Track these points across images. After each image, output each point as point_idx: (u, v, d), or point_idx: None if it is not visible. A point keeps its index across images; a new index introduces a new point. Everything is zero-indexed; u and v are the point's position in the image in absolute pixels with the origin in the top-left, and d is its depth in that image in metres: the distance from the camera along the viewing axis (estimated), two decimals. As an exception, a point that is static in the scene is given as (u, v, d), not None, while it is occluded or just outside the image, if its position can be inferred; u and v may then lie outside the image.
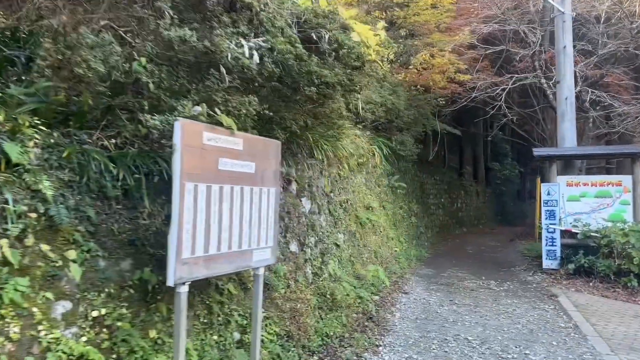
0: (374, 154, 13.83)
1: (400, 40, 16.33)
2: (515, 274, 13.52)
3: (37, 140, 4.60)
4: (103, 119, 5.21)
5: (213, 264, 4.71)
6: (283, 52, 5.35)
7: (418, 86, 17.07)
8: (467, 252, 17.79)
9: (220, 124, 4.87)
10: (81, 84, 4.67)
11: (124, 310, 4.77)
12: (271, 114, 6.01)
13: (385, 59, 16.72)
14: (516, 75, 17.52)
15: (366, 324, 8.39)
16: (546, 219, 13.29)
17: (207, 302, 5.73)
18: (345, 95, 9.07)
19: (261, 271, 5.55)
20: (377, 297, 9.75)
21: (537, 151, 14.72)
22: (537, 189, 17.52)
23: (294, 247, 7.79)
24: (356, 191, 11.72)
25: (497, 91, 16.94)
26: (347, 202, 10.72)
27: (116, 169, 5.03)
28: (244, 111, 5.26)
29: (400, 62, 17.78)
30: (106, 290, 4.70)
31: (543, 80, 17.93)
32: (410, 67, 17.45)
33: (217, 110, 4.74)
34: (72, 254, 4.42)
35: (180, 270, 4.30)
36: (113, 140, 5.21)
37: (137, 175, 5.12)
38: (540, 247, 14.02)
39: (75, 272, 4.35)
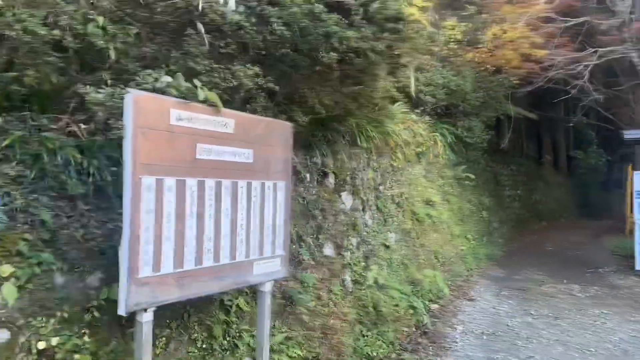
0: (435, 142, 12.30)
1: (465, 14, 14.59)
2: (603, 277, 11.57)
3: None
4: (72, 100, 4.19)
5: (191, 283, 3.57)
6: (285, 2, 4.10)
7: (488, 66, 15.25)
8: (546, 250, 15.80)
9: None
10: (26, 55, 3.65)
11: (85, 339, 3.73)
12: (285, 90, 4.81)
13: (452, 40, 15.06)
14: (601, 49, 15.28)
15: (419, 340, 7.02)
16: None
17: (207, 323, 4.61)
18: (394, 72, 7.71)
19: (267, 287, 4.36)
20: (435, 306, 8.33)
21: (629, 134, 12.64)
22: (628, 178, 15.25)
23: (328, 250, 6.56)
24: (413, 184, 10.29)
25: (579, 68, 14.79)
26: (401, 196, 9.33)
27: (86, 161, 4.02)
28: (246, 83, 4.06)
29: (467, 41, 15.99)
30: (60, 314, 3.67)
31: (633, 54, 15.53)
32: (480, 45, 15.63)
33: (197, 82, 3.57)
34: (5, 269, 3.40)
35: (136, 294, 3.19)
36: (85, 126, 4.18)
37: (114, 169, 4.06)
38: (632, 245, 11.99)
39: (8, 293, 3.32)
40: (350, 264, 6.84)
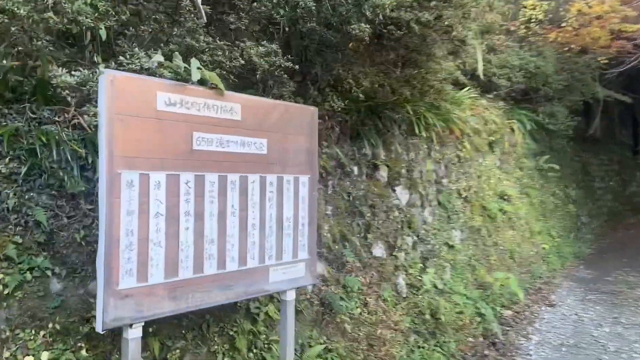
0: (512, 130, 11.21)
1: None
2: None
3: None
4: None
5: (188, 294, 3.07)
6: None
7: (572, 47, 13.79)
8: (644, 248, 14.14)
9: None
10: (12, 40, 3.30)
11: (82, 353, 3.34)
12: (320, 73, 4.21)
13: (533, 20, 13.75)
14: None
15: (486, 352, 6.21)
16: None
17: (230, 333, 4.12)
18: (456, 52, 6.90)
19: (289, 296, 3.79)
20: (508, 313, 7.43)
21: None
22: None
23: (378, 250, 5.89)
24: (484, 176, 9.35)
25: None
26: (468, 189, 8.45)
27: (91, 156, 3.63)
28: (258, 62, 3.51)
29: (549, 20, 14.58)
30: (52, 325, 3.30)
31: None
32: (563, 24, 14.18)
33: (194, 61, 3.05)
34: (-16, 277, 3.06)
35: (115, 308, 2.72)
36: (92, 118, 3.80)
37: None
38: None
39: (-16, 304, 2.97)
40: (404, 266, 6.13)
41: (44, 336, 3.24)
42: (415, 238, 6.54)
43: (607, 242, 15.03)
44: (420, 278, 6.15)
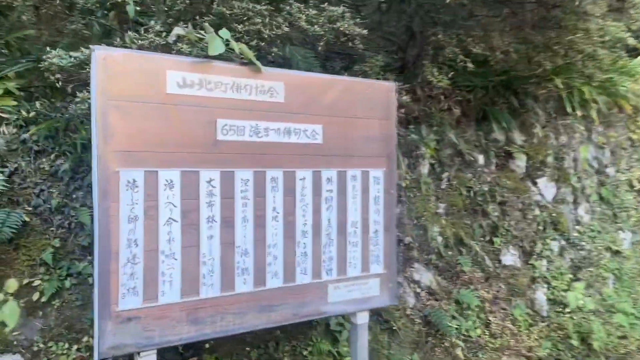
0: None
1: None
2: None
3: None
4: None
5: (214, 316, 2.53)
6: None
7: None
8: None
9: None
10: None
11: (122, 370, 3.00)
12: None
13: None
14: None
15: (660, 392, 4.80)
16: None
17: (304, 354, 3.54)
18: (621, 9, 5.48)
19: (360, 319, 3.06)
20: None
21: None
22: None
23: (509, 258, 4.82)
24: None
25: None
26: (645, 180, 6.77)
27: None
28: (318, 30, 2.84)
29: None
30: (88, 338, 3.01)
31: None
32: None
33: (208, 28, 2.49)
34: (11, 285, 2.84)
35: (114, 333, 2.28)
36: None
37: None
38: None
39: (9, 315, 2.75)
40: (545, 278, 4.97)
41: (78, 349, 2.96)
42: (562, 242, 5.30)
43: None
44: (566, 291, 4.93)
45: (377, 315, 3.89)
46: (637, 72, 6.94)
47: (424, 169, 4.62)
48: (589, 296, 5.20)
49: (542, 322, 4.70)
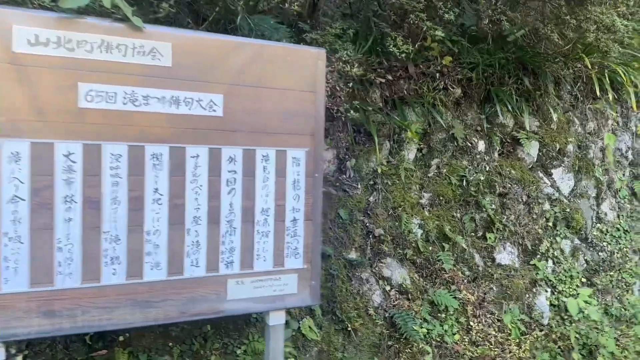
0: None
1: None
2: None
3: None
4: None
5: (73, 310, 2.10)
6: None
7: None
8: None
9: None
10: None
11: None
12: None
13: None
14: None
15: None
16: None
17: (237, 353, 3.06)
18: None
19: (274, 320, 2.53)
20: None
21: None
22: None
23: (506, 256, 4.08)
24: None
25: None
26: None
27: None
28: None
29: None
30: None
31: None
32: None
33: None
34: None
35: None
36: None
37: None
38: None
39: None
40: (550, 281, 4.17)
41: None
42: (576, 242, 4.45)
43: None
44: (574, 296, 4.10)
45: (331, 314, 3.33)
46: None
47: (410, 154, 3.97)
48: (605, 304, 4.34)
49: (540, 331, 3.93)
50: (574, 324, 4.03)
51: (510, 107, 4.36)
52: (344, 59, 2.90)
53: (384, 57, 3.80)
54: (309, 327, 3.21)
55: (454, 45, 4.26)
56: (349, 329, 3.30)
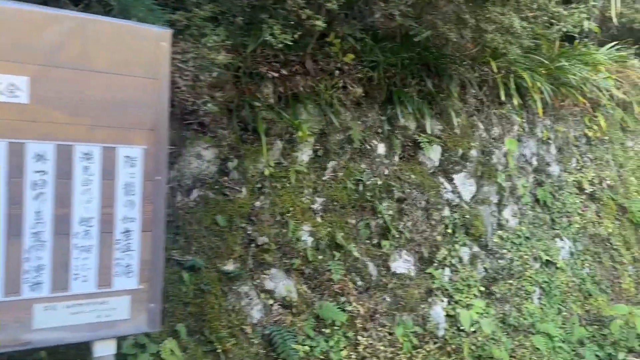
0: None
1: None
2: None
3: None
4: None
5: None
6: None
7: None
8: None
9: None
10: None
11: None
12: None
13: None
14: None
15: None
16: None
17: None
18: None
19: (102, 351, 2.07)
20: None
21: None
22: None
23: (401, 265, 3.80)
24: (632, 165, 6.32)
25: None
26: (598, 182, 5.65)
27: None
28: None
29: None
30: None
31: None
32: None
33: None
34: None
35: None
36: None
37: None
38: None
39: None
40: (446, 290, 3.92)
41: None
42: (475, 249, 4.23)
43: None
44: (470, 306, 3.87)
45: (199, 334, 2.90)
46: (597, 62, 5.79)
47: (303, 155, 3.60)
48: (504, 314, 4.15)
49: (434, 343, 3.67)
50: (470, 336, 3.79)
51: (412, 110, 4.09)
52: (209, 44, 2.48)
53: (280, 50, 3.41)
54: (171, 350, 2.77)
55: (358, 42, 3.94)
56: (219, 350, 2.89)
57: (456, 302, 3.91)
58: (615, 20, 5.58)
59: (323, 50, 3.82)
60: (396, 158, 4.04)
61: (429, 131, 4.15)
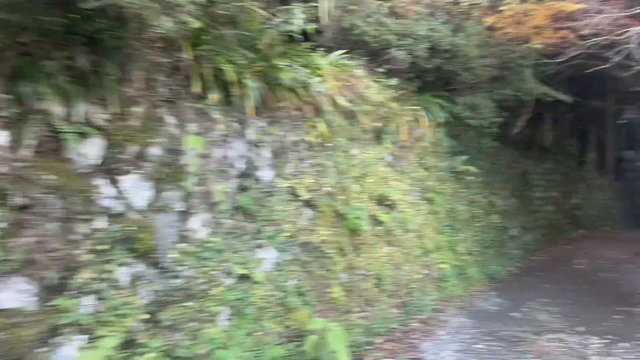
0: (417, 120, 8.13)
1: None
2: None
3: None
4: None
5: None
6: None
7: (510, 33, 10.68)
8: (574, 269, 11.14)
9: None
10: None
11: None
12: None
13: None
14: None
15: None
16: None
17: None
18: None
19: None
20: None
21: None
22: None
23: (13, 298, 2.74)
24: (355, 172, 6.25)
25: (628, 35, 9.82)
26: (316, 189, 5.35)
27: None
28: None
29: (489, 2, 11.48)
30: None
31: None
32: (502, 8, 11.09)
33: None
34: None
35: None
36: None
37: None
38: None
39: None
40: (84, 325, 3.00)
41: None
42: (140, 268, 3.41)
43: (537, 259, 12.14)
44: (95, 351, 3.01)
45: None
46: (319, 66, 5.51)
47: None
48: (172, 344, 3.39)
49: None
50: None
51: (58, 92, 3.09)
52: None
53: None
54: None
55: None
56: None
57: (100, 338, 3.01)
58: (326, 19, 5.36)
59: None
60: (28, 152, 2.99)
61: (81, 120, 3.20)
